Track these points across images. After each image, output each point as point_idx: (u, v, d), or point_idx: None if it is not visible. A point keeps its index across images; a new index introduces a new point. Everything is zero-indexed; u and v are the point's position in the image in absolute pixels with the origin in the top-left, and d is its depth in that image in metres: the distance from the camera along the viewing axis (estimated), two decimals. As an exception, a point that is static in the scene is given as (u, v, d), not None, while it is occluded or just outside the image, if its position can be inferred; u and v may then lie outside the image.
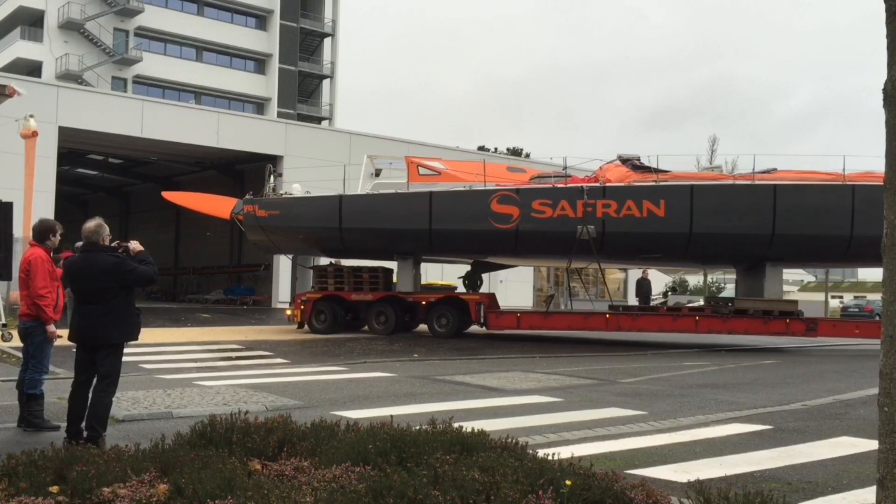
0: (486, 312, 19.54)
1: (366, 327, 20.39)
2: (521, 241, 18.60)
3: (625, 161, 18.93)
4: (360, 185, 20.65)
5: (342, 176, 20.56)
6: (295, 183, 23.15)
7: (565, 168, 20.08)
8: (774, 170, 18.73)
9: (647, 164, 18.71)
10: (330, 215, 19.88)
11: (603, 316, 19.42)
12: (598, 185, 18.21)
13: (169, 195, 25.15)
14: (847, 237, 17.14)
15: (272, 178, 21.48)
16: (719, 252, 19.13)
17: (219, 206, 23.42)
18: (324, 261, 23.60)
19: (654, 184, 17.88)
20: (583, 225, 17.69)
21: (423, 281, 24.13)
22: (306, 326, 20.38)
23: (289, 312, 22.18)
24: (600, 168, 19.36)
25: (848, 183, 17.10)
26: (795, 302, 20.08)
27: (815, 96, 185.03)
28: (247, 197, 21.33)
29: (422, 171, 20.09)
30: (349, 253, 21.61)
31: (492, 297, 20.71)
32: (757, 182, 17.91)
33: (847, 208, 17.01)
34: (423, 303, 20.15)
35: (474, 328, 20.45)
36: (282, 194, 21.30)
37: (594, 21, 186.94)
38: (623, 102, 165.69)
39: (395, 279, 21.23)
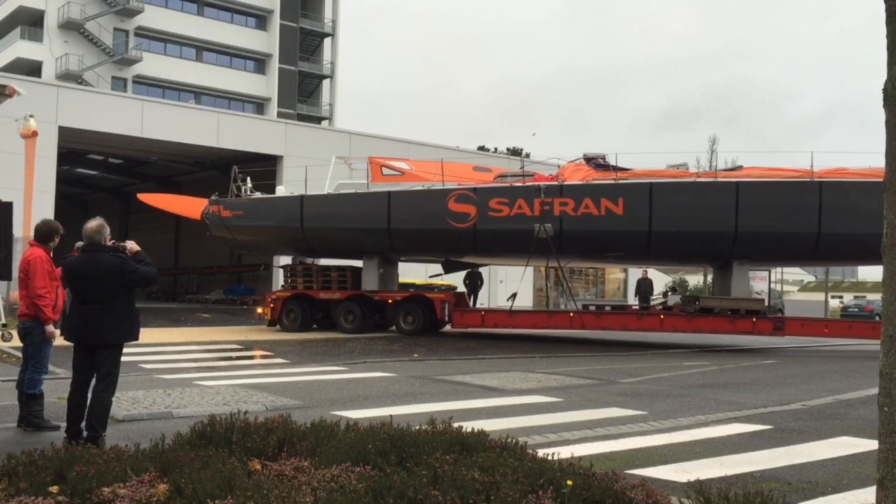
0: (450, 311, 19.68)
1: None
2: (479, 239, 18.65)
3: (589, 160, 18.85)
4: (327, 186, 20.76)
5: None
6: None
7: (523, 167, 20.11)
8: (740, 167, 18.66)
9: (612, 163, 18.55)
10: (292, 215, 20.04)
11: (567, 315, 19.47)
12: (555, 183, 18.19)
13: (143, 197, 25.34)
14: (815, 234, 16.92)
15: (247, 179, 21.59)
16: (681, 250, 18.92)
17: (190, 207, 23.62)
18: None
19: (612, 181, 17.81)
20: (540, 223, 17.68)
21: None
22: (277, 325, 20.67)
23: (260, 311, 22.39)
24: (562, 167, 19.34)
25: (815, 180, 16.88)
26: (762, 300, 19.85)
27: (826, 99, 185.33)
28: (213, 198, 21.56)
29: (385, 171, 20.24)
30: (315, 252, 21.78)
31: (459, 296, 20.86)
32: (719, 179, 17.83)
33: (814, 206, 16.79)
34: (390, 301, 20.29)
35: (448, 327, 20.55)
36: (251, 195, 21.42)
37: (616, 26, 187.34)
38: (635, 104, 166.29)
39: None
